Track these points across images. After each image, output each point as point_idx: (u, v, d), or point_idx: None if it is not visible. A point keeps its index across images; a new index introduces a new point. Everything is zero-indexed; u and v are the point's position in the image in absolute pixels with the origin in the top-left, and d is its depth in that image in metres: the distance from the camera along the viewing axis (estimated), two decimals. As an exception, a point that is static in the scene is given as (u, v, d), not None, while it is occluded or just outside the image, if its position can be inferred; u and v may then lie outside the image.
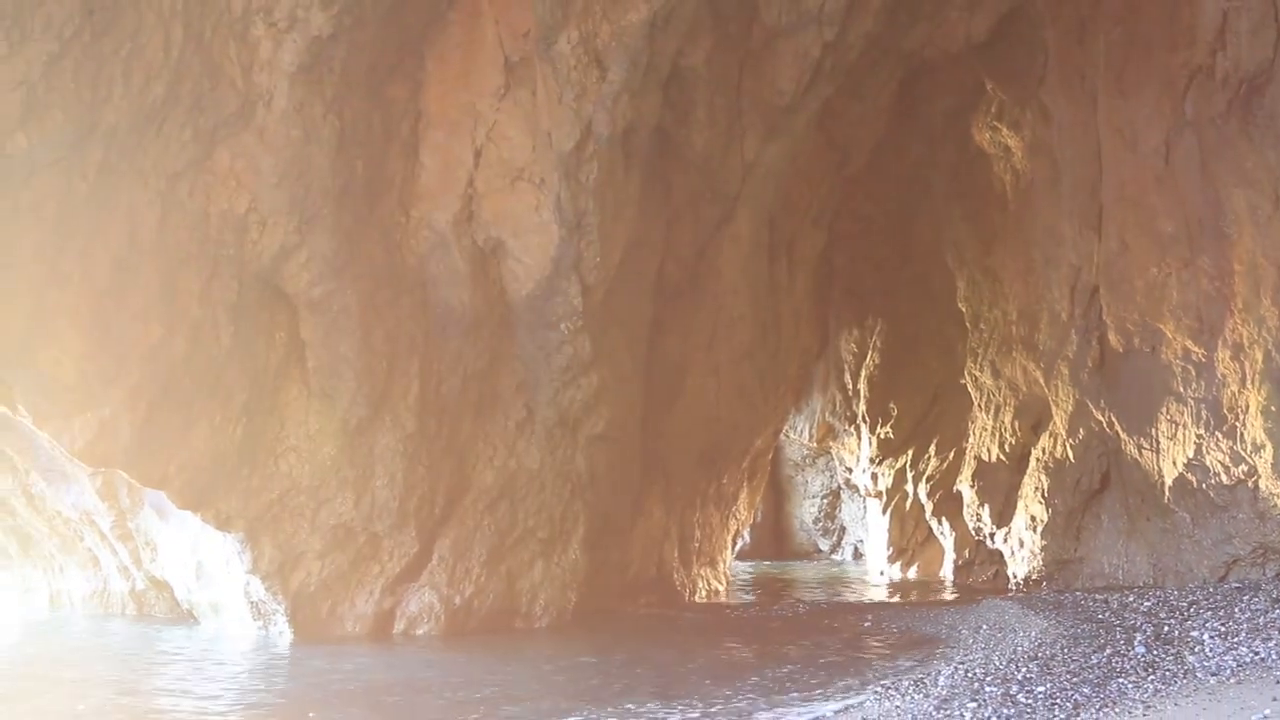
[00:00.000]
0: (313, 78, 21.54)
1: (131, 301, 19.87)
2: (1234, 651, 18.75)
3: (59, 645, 25.15)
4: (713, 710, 17.81)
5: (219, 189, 21.23)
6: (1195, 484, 27.63)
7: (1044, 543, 32.68)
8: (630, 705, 18.02)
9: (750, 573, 43.19)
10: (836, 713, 16.99)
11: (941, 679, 18.78)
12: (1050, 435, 32.86)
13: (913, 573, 40.78)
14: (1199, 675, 17.24)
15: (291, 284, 22.60)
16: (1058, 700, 16.17)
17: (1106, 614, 24.59)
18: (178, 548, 25.39)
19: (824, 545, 51.93)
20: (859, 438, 43.28)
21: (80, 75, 18.00)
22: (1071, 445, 31.62)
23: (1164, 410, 28.17)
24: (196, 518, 23.12)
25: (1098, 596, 27.37)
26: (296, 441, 23.36)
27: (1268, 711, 13.85)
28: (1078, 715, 15.11)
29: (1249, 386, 26.34)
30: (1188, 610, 23.57)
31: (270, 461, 23.17)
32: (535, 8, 23.74)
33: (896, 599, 33.94)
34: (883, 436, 41.37)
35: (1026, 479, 33.85)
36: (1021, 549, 33.92)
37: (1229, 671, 17.27)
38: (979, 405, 36.44)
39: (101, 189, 18.92)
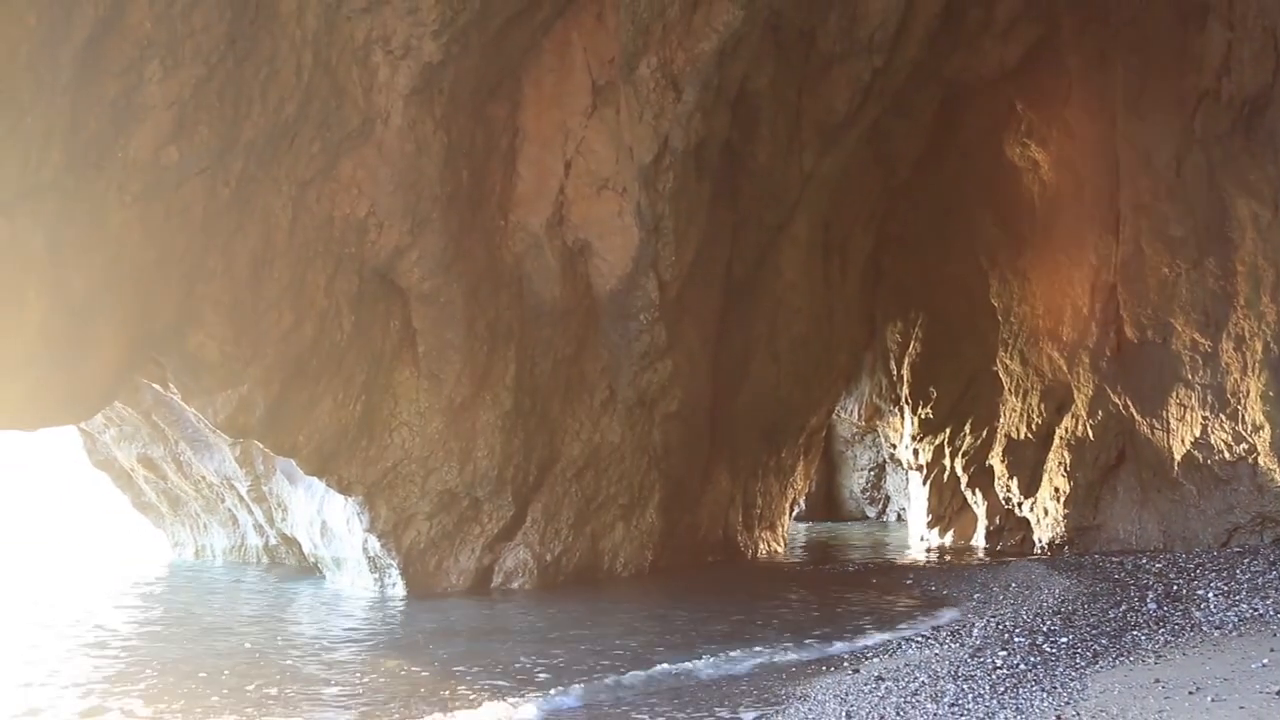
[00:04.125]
0: (424, 98, 21.62)
1: (266, 293, 20.03)
2: (1235, 608, 18.61)
3: (229, 592, 25.55)
4: (780, 643, 17.88)
5: (342, 195, 21.34)
6: (1201, 460, 27.47)
7: (1066, 511, 32.40)
8: (710, 645, 18.08)
9: (806, 534, 43.20)
10: (883, 658, 16.93)
11: (975, 630, 18.70)
12: (1072, 416, 32.56)
13: (949, 537, 40.40)
14: (1204, 629, 17.12)
15: (405, 279, 22.69)
16: (1078, 650, 16.08)
17: (1122, 574, 24.43)
18: (305, 509, 25.62)
19: (870, 512, 51.64)
20: (902, 417, 42.94)
21: (224, 96, 18.13)
22: (1091, 425, 31.34)
23: (1174, 395, 28.01)
24: (322, 483, 23.35)
25: (1114, 559, 27.22)
26: (408, 417, 23.48)
27: (1266, 661, 13.75)
28: (1096, 664, 15.02)
29: (1250, 374, 26.17)
30: (1194, 571, 23.39)
31: (385, 434, 23.30)
32: (619, 37, 23.77)
33: (935, 560, 33.71)
34: (923, 416, 41.02)
35: (1051, 455, 33.55)
36: (1046, 517, 33.63)
37: (1231, 626, 17.14)
38: (1009, 389, 36.10)
39: (241, 195, 19.07)
